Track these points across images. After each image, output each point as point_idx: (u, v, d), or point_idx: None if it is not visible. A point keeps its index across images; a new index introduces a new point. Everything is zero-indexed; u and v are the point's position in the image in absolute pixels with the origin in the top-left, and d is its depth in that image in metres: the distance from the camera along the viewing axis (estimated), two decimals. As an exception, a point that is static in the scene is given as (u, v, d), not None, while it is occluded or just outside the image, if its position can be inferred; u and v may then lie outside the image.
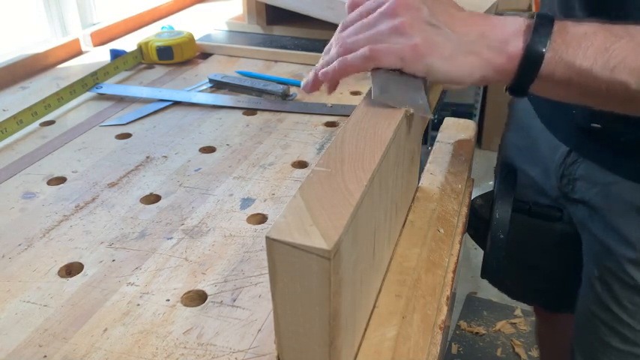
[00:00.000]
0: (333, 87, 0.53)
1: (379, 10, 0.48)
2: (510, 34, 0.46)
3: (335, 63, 0.49)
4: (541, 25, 0.46)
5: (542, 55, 0.45)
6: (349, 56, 0.48)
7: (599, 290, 0.71)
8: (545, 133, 0.75)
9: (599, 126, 0.64)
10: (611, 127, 0.62)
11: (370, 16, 0.49)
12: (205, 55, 1.02)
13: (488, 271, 0.59)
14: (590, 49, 0.45)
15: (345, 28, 0.51)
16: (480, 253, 0.59)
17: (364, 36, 0.48)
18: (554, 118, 0.73)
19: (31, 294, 0.47)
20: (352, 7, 0.52)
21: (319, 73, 0.51)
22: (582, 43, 0.45)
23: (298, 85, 0.88)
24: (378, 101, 0.47)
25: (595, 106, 0.49)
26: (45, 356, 0.41)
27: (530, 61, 0.45)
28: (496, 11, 1.27)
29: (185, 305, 0.46)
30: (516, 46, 0.46)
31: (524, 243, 0.88)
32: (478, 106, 2.32)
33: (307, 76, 0.53)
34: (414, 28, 0.46)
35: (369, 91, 0.48)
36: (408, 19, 0.46)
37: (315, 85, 0.52)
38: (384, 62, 0.47)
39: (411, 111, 0.47)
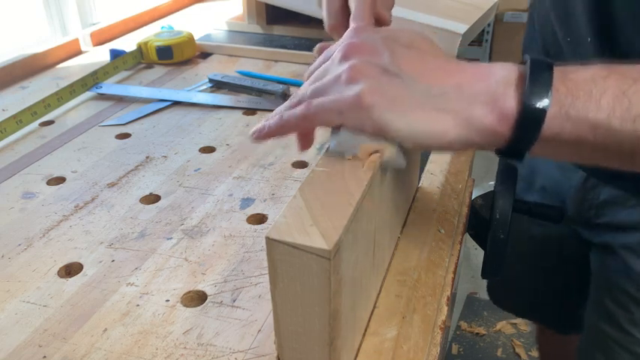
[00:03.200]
0: (267, 137, 0.42)
1: (332, 55, 0.41)
2: (498, 86, 0.36)
3: (272, 119, 0.41)
4: (537, 72, 0.36)
5: (543, 111, 0.35)
6: (286, 113, 0.40)
7: (612, 309, 0.69)
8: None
9: None
10: None
11: (325, 63, 0.41)
12: (205, 55, 1.02)
13: (488, 272, 0.59)
14: (604, 97, 0.35)
15: (307, 77, 0.43)
16: (480, 253, 0.59)
17: (312, 87, 0.40)
18: None
19: (30, 294, 0.47)
20: (319, 52, 0.46)
21: (254, 130, 0.42)
22: (592, 90, 0.35)
23: (298, 85, 0.88)
24: (333, 154, 0.39)
25: (615, 167, 0.39)
26: (44, 356, 0.41)
27: (530, 120, 0.35)
28: (497, 11, 1.27)
29: (185, 305, 0.46)
30: (508, 100, 0.36)
31: (526, 263, 0.87)
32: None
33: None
34: (363, 74, 0.37)
35: None
36: (358, 63, 0.38)
37: (257, 140, 0.42)
38: (321, 120, 0.39)
39: (383, 162, 0.39)
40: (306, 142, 0.45)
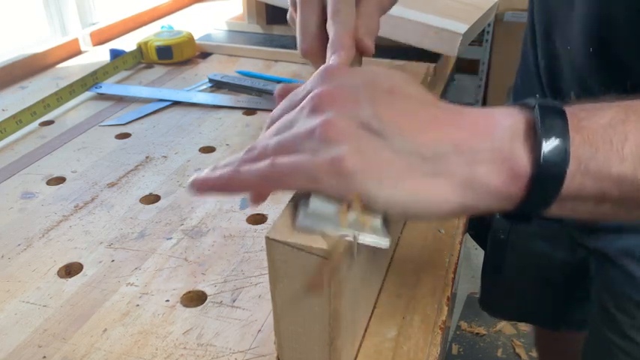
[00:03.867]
0: (212, 191, 0.34)
1: (302, 103, 0.34)
2: (504, 139, 0.31)
3: (225, 171, 0.33)
4: (549, 121, 0.30)
5: (563, 169, 0.30)
6: (243, 168, 0.33)
7: (615, 314, 0.68)
8: None
9: None
10: None
11: (293, 111, 0.34)
12: (205, 55, 1.02)
13: (489, 272, 0.59)
14: (627, 146, 0.30)
15: (269, 126, 0.36)
16: (481, 253, 0.59)
17: (276, 139, 0.33)
18: None
19: (30, 294, 0.47)
20: (281, 96, 0.38)
21: (195, 178, 0.34)
22: (612, 138, 0.30)
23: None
24: (302, 229, 0.32)
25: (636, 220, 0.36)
26: (44, 357, 0.41)
27: (547, 179, 0.30)
28: (497, 11, 1.27)
29: (185, 305, 0.46)
30: (519, 156, 0.30)
31: (523, 269, 0.87)
32: (479, 105, 2.32)
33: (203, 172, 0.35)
34: (341, 132, 0.31)
35: None
36: (334, 117, 0.31)
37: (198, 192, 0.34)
38: (288, 185, 0.32)
39: (354, 240, 0.32)
40: (260, 198, 0.35)
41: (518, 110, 0.32)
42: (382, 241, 0.32)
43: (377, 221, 0.32)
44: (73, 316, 0.45)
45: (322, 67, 0.36)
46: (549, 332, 1.00)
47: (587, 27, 0.53)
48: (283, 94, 0.38)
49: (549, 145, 0.30)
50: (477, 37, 1.47)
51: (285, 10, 1.07)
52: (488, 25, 2.31)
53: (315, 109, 0.32)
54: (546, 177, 0.30)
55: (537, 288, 0.88)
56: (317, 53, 0.43)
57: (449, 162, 0.31)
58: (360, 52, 0.44)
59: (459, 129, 0.32)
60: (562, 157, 0.30)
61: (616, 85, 0.52)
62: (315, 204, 0.32)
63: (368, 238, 0.32)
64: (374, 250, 0.36)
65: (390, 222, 0.33)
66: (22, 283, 0.49)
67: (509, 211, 0.33)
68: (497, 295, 0.97)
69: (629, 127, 0.30)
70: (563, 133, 0.30)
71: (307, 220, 0.32)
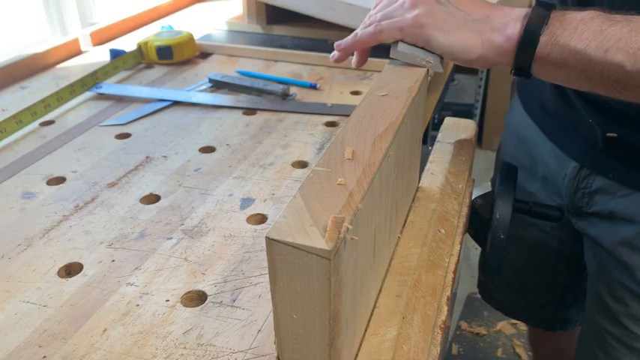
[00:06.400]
0: (344, 57, 0.59)
1: None
2: (512, 19, 0.50)
3: (350, 37, 0.57)
4: (539, 10, 0.50)
5: (537, 37, 0.48)
6: (360, 31, 0.56)
7: (610, 303, 0.69)
8: (547, 146, 0.74)
9: (615, 135, 0.62)
10: (627, 135, 0.61)
11: None
12: (205, 55, 1.02)
13: (489, 272, 0.59)
14: (586, 33, 0.47)
15: (375, 5, 0.58)
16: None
17: (380, 13, 0.55)
18: (563, 135, 0.71)
19: (30, 294, 0.47)
20: None
21: (335, 44, 0.59)
22: (579, 26, 0.47)
23: (298, 85, 0.88)
24: (395, 58, 0.53)
25: (594, 91, 0.50)
26: (44, 357, 0.41)
27: (527, 43, 0.49)
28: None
29: (185, 305, 0.46)
30: (515, 28, 0.49)
31: (520, 260, 0.87)
32: (479, 105, 2.32)
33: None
34: (421, 1, 0.51)
35: (370, 89, 0.48)
36: None
37: (338, 58, 0.59)
38: (386, 35, 0.53)
39: (426, 64, 0.52)
40: (362, 59, 0.60)
41: (527, 8, 0.50)
42: (439, 66, 0.53)
43: (437, 58, 0.53)
44: (73, 316, 0.45)
45: None
46: (544, 332, 1.01)
47: None
48: None
49: (532, 23, 0.49)
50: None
51: (285, 10, 1.07)
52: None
53: None
54: (526, 41, 0.49)
55: (534, 275, 0.89)
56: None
57: (481, 24, 0.51)
58: None
59: (491, 9, 0.52)
60: (538, 31, 0.48)
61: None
62: (402, 46, 0.53)
63: (432, 65, 0.52)
64: (374, 251, 0.36)
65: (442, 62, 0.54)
66: (22, 283, 0.49)
67: (511, 66, 0.51)
68: (497, 287, 0.97)
69: (594, 22, 0.47)
70: (544, 18, 0.49)
71: (396, 55, 0.53)
